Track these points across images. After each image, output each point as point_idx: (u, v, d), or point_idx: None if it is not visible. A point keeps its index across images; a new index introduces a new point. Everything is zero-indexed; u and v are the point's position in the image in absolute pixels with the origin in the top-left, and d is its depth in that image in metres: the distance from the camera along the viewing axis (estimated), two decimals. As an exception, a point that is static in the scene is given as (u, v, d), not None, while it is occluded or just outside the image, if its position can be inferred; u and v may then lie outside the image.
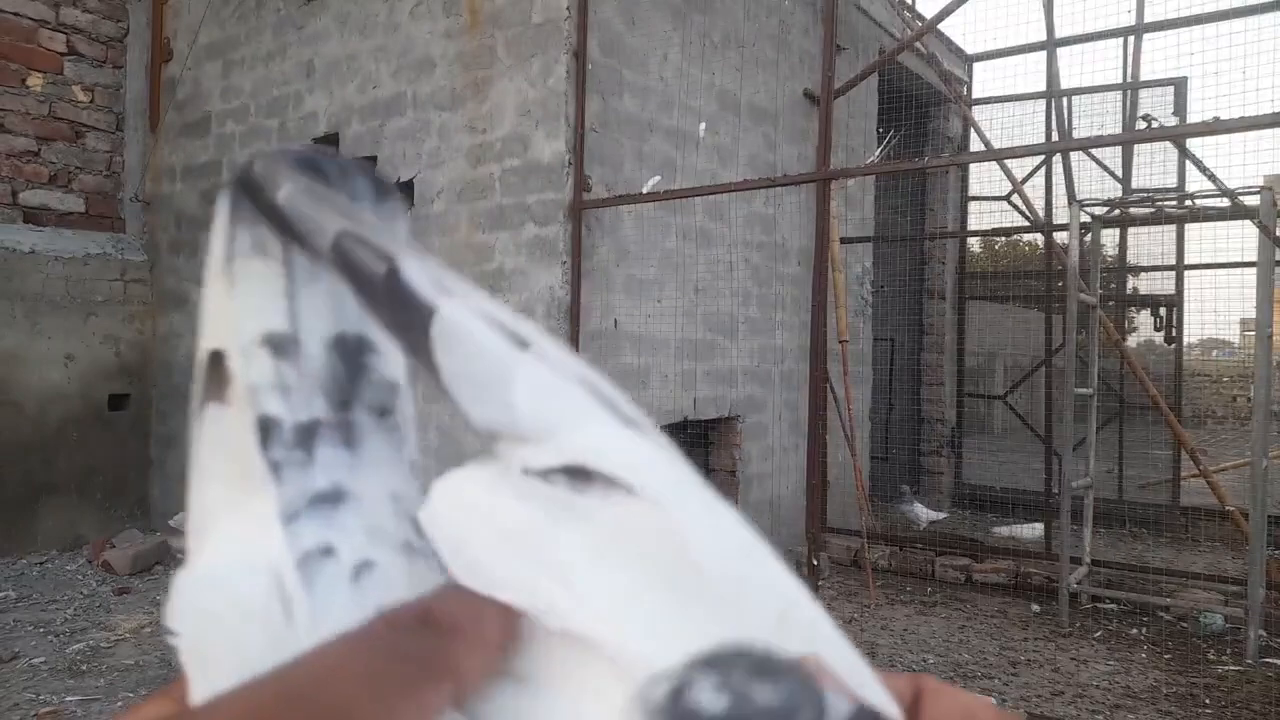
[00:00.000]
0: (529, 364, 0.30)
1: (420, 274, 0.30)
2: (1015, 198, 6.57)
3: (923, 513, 6.36)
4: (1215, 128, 3.56)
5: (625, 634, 0.22)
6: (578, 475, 0.28)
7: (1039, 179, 7.09)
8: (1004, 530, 6.30)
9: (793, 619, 0.22)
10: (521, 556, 0.25)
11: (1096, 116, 7.04)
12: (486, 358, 0.29)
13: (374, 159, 4.72)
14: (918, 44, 5.92)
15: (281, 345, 0.38)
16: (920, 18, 6.63)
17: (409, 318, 0.28)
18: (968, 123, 6.77)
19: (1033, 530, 6.09)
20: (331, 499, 0.36)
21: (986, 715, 0.25)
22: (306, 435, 0.37)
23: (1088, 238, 5.16)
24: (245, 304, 0.38)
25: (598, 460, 0.28)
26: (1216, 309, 6.58)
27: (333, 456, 0.37)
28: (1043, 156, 6.97)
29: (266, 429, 0.36)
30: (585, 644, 0.22)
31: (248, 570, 0.34)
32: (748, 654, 0.19)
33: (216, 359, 0.38)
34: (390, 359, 0.41)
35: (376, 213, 0.40)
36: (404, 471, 0.40)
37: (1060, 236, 6.06)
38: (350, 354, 0.40)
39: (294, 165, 0.38)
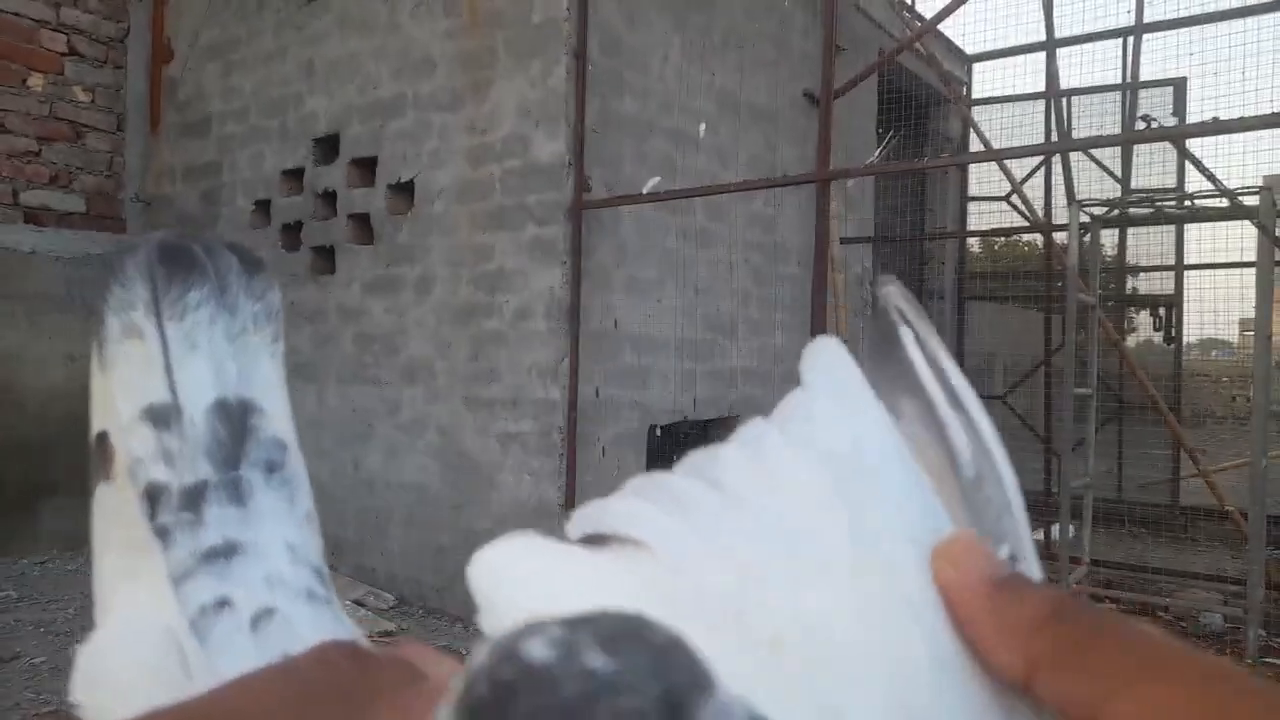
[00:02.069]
0: None
1: None
2: (1015, 198, 6.57)
3: None
4: (1215, 128, 3.57)
5: None
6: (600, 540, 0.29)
7: (1038, 179, 7.09)
8: None
9: None
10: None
11: (1096, 117, 7.05)
12: None
13: (374, 159, 4.73)
14: (917, 44, 5.92)
15: (162, 416, 0.39)
16: (920, 18, 6.63)
17: None
18: (967, 123, 6.77)
19: None
20: (225, 553, 0.38)
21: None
22: (194, 497, 0.38)
23: (1087, 238, 5.17)
24: (123, 384, 0.40)
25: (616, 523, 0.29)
26: (1216, 309, 6.58)
27: (222, 514, 0.39)
28: (1042, 157, 6.97)
29: (154, 496, 0.38)
30: None
31: (144, 633, 0.35)
32: (619, 621, 0.18)
33: (101, 439, 0.40)
34: (276, 419, 0.43)
35: (247, 289, 0.44)
36: (299, 522, 0.41)
37: (1060, 237, 6.07)
38: (234, 416, 0.41)
39: (158, 256, 0.41)
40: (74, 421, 5.39)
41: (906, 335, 0.32)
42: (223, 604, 0.36)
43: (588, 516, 0.30)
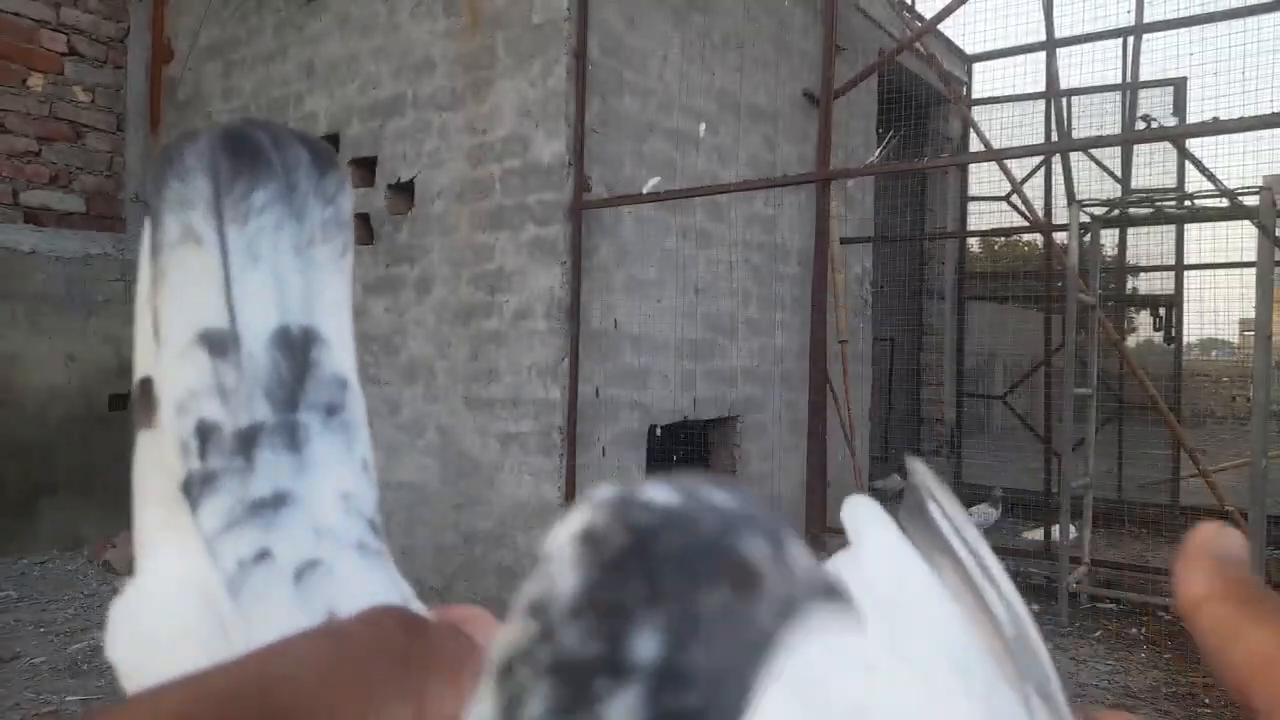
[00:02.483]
0: None
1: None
2: (1015, 198, 6.57)
3: (985, 514, 6.21)
4: (1215, 128, 3.57)
5: None
6: None
7: (1038, 179, 7.09)
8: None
9: None
10: None
11: (1096, 116, 7.05)
12: None
13: (374, 159, 4.73)
14: (917, 44, 5.92)
15: (219, 344, 0.35)
16: (920, 18, 6.63)
17: None
18: (967, 123, 6.77)
19: (984, 516, 6.09)
20: (273, 504, 0.35)
21: None
22: (247, 441, 0.35)
23: (1087, 238, 5.16)
24: (177, 300, 0.35)
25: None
26: (1216, 309, 6.58)
27: (275, 461, 0.35)
28: (1042, 157, 6.97)
29: (204, 435, 0.34)
30: None
31: (179, 589, 0.33)
32: (700, 480, 0.21)
33: (145, 386, 0.36)
34: (339, 352, 0.38)
35: (318, 190, 0.39)
36: (355, 470, 0.38)
37: (1060, 237, 6.06)
38: (296, 349, 0.37)
39: (222, 146, 0.36)
40: (74, 422, 5.39)
41: (934, 508, 0.32)
42: (263, 556, 0.34)
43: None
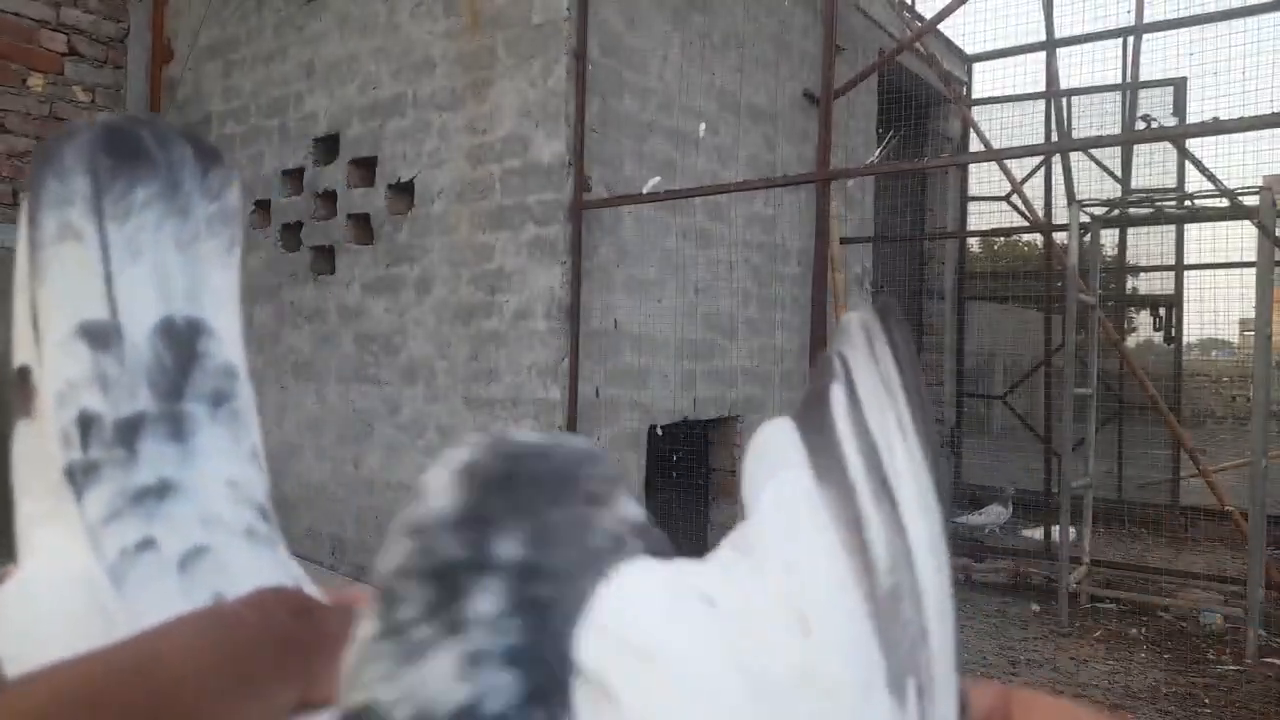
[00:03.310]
0: None
1: None
2: (1015, 198, 6.57)
3: (996, 514, 6.13)
4: (1215, 128, 3.57)
5: None
6: None
7: (1038, 179, 7.09)
8: (972, 519, 6.22)
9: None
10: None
11: (1096, 116, 7.04)
12: None
13: (374, 159, 4.73)
14: (917, 44, 5.92)
15: (100, 335, 0.35)
16: (920, 18, 6.63)
17: None
18: (967, 123, 6.77)
19: (996, 516, 6.07)
20: (157, 492, 0.35)
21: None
22: (129, 431, 0.35)
23: (1087, 238, 5.17)
24: (56, 295, 0.35)
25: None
26: (1216, 309, 6.58)
27: (159, 450, 0.35)
28: (1042, 157, 6.97)
29: (85, 426, 0.34)
30: None
31: (62, 580, 0.33)
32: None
33: (23, 374, 0.36)
34: (226, 343, 0.39)
35: (202, 187, 0.39)
36: (244, 458, 0.38)
37: (1060, 237, 6.07)
38: (180, 341, 0.37)
39: (102, 144, 0.36)
40: (74, 421, 5.39)
41: (837, 395, 0.23)
42: (147, 544, 0.33)
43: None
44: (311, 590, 0.34)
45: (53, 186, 0.36)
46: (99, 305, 0.36)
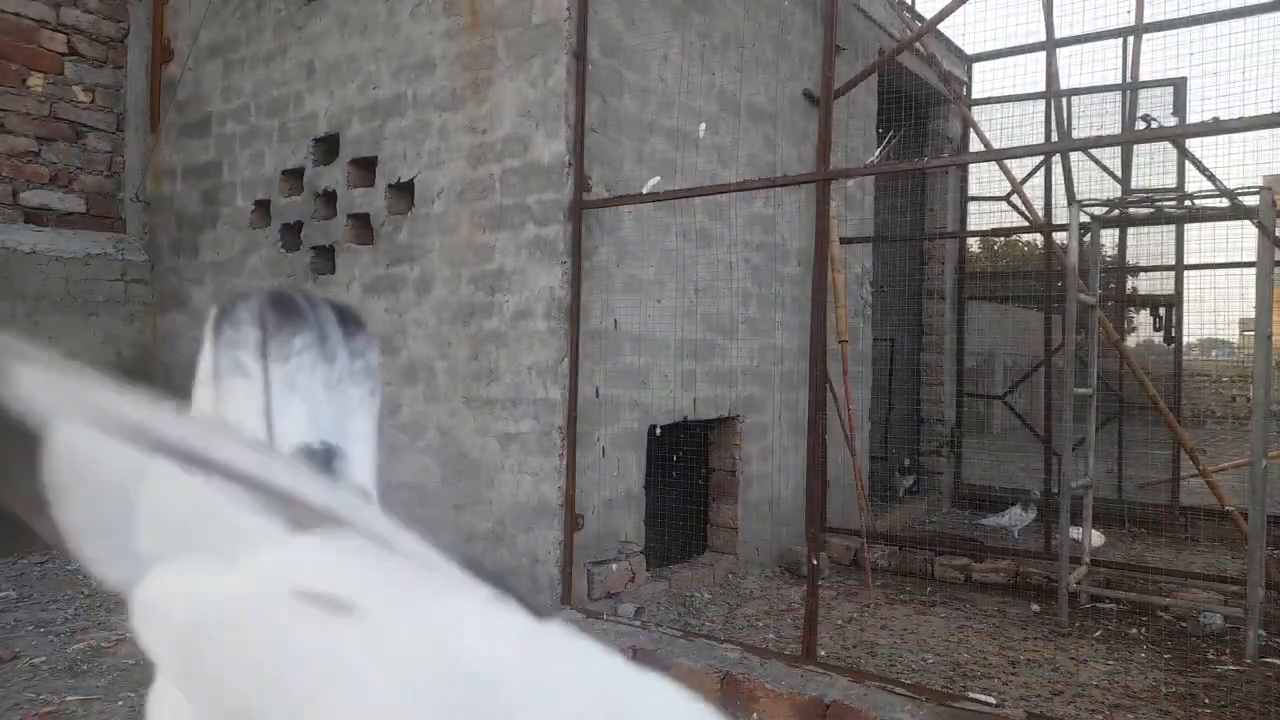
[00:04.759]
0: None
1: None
2: (1015, 198, 6.57)
3: (1017, 517, 6.06)
4: (1215, 128, 3.56)
5: None
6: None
7: (1038, 179, 7.09)
8: (990, 521, 6.18)
9: None
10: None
11: (1096, 116, 7.04)
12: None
13: (374, 159, 4.73)
14: (917, 44, 5.92)
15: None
16: (920, 18, 6.63)
17: None
18: (967, 123, 6.77)
19: (1016, 519, 6.02)
20: None
21: None
22: None
23: (1087, 238, 5.16)
24: (229, 413, 0.46)
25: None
26: (1216, 309, 6.58)
27: None
28: (1042, 157, 6.97)
29: None
30: None
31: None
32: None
33: None
34: (358, 468, 0.49)
35: (345, 343, 0.49)
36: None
37: (1060, 237, 6.06)
38: (318, 460, 0.47)
39: (269, 302, 0.47)
40: (74, 421, 5.39)
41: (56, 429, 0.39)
42: None
43: None
44: None
45: (228, 333, 0.46)
46: (259, 430, 0.45)
